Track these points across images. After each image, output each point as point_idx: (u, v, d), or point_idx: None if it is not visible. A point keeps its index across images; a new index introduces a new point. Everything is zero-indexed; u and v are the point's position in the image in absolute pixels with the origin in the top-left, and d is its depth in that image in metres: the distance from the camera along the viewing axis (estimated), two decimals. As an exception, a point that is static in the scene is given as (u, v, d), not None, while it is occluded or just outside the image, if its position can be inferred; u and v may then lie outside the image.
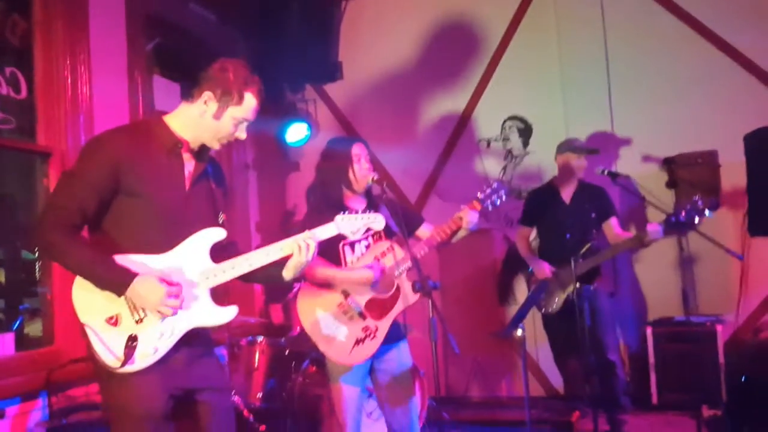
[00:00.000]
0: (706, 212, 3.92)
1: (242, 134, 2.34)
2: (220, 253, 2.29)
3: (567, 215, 4.51)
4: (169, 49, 4.83)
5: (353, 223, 2.46)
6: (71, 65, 3.77)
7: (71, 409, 3.23)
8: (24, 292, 4.01)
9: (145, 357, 2.13)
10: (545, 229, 4.70)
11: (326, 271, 2.98)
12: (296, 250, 2.31)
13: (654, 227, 4.04)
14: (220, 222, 2.37)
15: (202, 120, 2.26)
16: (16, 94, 3.56)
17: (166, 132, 2.28)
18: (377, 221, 2.52)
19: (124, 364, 2.08)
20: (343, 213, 2.48)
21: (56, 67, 3.72)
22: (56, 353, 3.60)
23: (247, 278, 2.35)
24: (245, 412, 4.22)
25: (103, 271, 2.11)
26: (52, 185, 3.67)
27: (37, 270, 3.92)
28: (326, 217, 2.91)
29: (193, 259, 2.24)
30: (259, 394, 4.31)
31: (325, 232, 2.43)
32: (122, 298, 2.12)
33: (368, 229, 3.11)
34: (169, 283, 2.14)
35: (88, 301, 2.13)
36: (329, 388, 3.03)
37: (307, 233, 2.36)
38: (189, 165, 2.33)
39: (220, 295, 2.32)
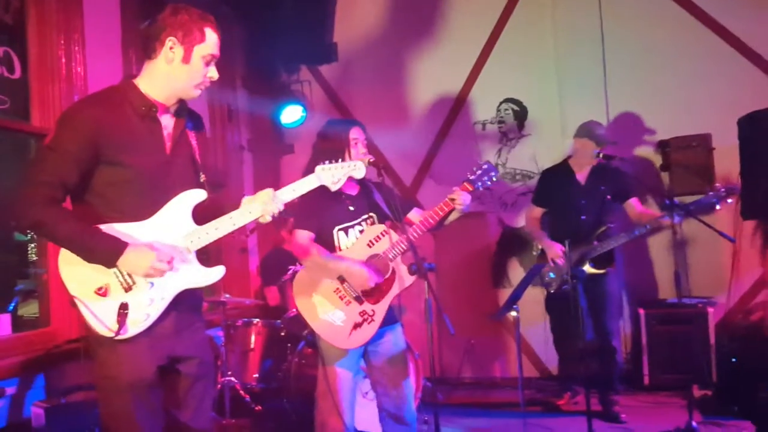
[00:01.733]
0: (729, 200, 3.94)
1: (214, 74, 2.27)
2: (209, 214, 2.29)
3: (582, 197, 4.45)
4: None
5: (334, 173, 2.46)
6: (65, 44, 3.72)
7: (69, 388, 3.24)
8: (17, 274, 4.01)
9: (136, 324, 2.12)
10: (558, 209, 4.59)
11: (324, 260, 2.98)
12: (261, 214, 2.30)
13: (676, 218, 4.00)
14: (201, 181, 2.32)
15: (173, 69, 2.20)
16: (9, 73, 3.52)
17: (139, 96, 2.22)
18: (357, 168, 2.53)
19: (117, 333, 2.07)
20: (324, 163, 2.48)
21: (50, 47, 3.68)
22: (52, 334, 3.61)
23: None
24: (241, 393, 4.26)
25: (93, 245, 2.08)
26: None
27: (29, 251, 3.92)
28: (319, 198, 2.91)
29: (176, 222, 2.22)
30: (255, 375, 4.35)
31: (307, 185, 2.43)
32: (111, 268, 2.11)
33: (363, 215, 3.14)
34: (158, 250, 2.14)
35: (76, 273, 2.12)
36: (324, 371, 3.03)
37: (276, 195, 2.32)
38: (167, 126, 2.28)
39: (212, 259, 2.33)
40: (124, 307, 2.10)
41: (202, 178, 2.33)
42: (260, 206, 2.29)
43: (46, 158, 2.13)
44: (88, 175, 2.14)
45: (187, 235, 2.23)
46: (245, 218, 2.29)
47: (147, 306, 2.15)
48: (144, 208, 2.19)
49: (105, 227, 2.13)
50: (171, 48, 2.18)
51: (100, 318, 2.09)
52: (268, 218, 2.32)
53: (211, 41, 2.22)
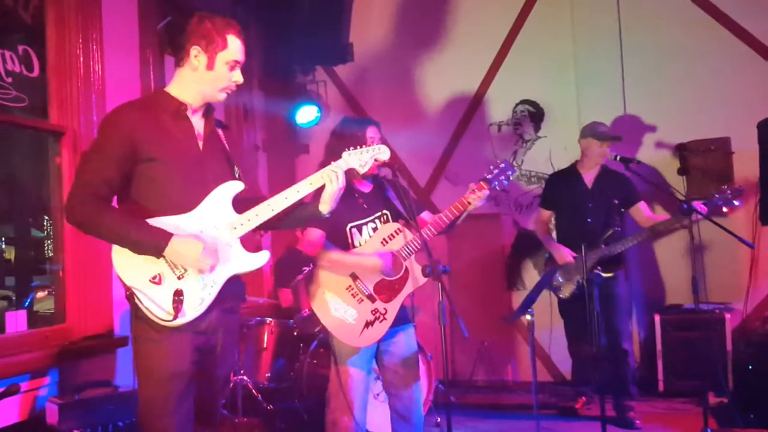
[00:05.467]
0: (735, 202, 3.93)
1: (239, 78, 2.39)
2: (243, 206, 2.39)
3: (588, 200, 4.46)
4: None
5: (360, 157, 2.54)
6: (83, 43, 3.74)
7: (83, 385, 3.26)
8: (34, 270, 4.04)
9: (193, 309, 2.21)
10: (565, 213, 4.63)
11: (335, 255, 2.98)
12: (327, 180, 2.42)
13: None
14: (237, 176, 2.45)
15: (198, 76, 2.34)
16: (28, 72, 3.55)
17: (169, 99, 2.37)
18: (382, 152, 2.58)
19: (176, 317, 2.16)
20: (349, 149, 2.54)
21: (68, 45, 3.70)
22: (68, 330, 3.63)
23: (288, 223, 2.51)
24: (253, 392, 4.27)
25: (139, 236, 2.19)
26: (64, 164, 3.68)
27: (46, 248, 3.95)
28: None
29: (218, 212, 2.33)
30: (268, 374, 4.35)
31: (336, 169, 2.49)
32: (161, 258, 2.21)
33: (376, 212, 3.14)
34: (204, 241, 2.24)
35: (129, 265, 2.20)
36: (336, 369, 3.03)
37: (330, 165, 2.45)
38: (198, 126, 2.41)
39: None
40: (178, 294, 2.18)
41: (238, 172, 2.46)
42: (295, 190, 2.39)
43: (89, 160, 2.28)
44: (130, 174, 2.26)
45: (230, 223, 2.33)
46: (282, 203, 2.38)
47: (201, 291, 2.24)
48: (185, 201, 2.29)
49: (153, 221, 2.23)
50: (195, 56, 2.32)
51: (158, 304, 2.18)
52: (335, 185, 2.41)
53: (233, 48, 2.34)
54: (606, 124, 4.63)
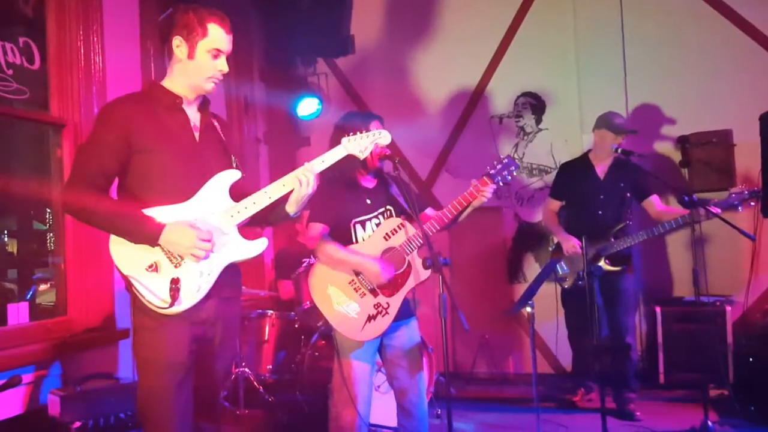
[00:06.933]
0: (751, 203, 3.94)
1: (224, 66, 2.38)
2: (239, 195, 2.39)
3: (600, 192, 4.41)
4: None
5: (360, 142, 2.53)
6: (84, 35, 3.74)
7: (84, 377, 3.28)
8: (36, 263, 4.05)
9: (190, 296, 2.23)
10: (576, 203, 4.56)
11: (338, 254, 2.98)
12: (296, 183, 2.39)
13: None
14: (234, 165, 2.44)
15: (183, 66, 2.36)
16: (29, 64, 3.55)
17: (164, 91, 2.39)
18: (383, 136, 2.58)
19: (172, 304, 2.17)
20: (348, 135, 2.52)
21: (69, 37, 3.70)
22: (69, 323, 3.65)
23: (260, 221, 2.48)
24: (255, 384, 4.28)
25: (132, 225, 2.20)
26: (65, 156, 3.69)
27: (48, 241, 3.95)
28: (336, 191, 2.90)
29: (215, 200, 2.34)
30: (269, 366, 4.37)
31: (334, 155, 2.49)
32: (157, 247, 2.22)
33: (380, 208, 3.13)
34: (199, 229, 2.24)
35: (126, 254, 2.22)
36: (339, 363, 3.03)
37: (305, 165, 2.42)
38: (194, 118, 2.43)
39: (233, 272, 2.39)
40: (175, 282, 2.19)
41: (235, 162, 2.46)
42: (293, 177, 2.38)
43: (85, 151, 2.30)
44: (126, 165, 2.28)
45: (226, 210, 2.33)
46: (279, 191, 2.38)
47: (198, 278, 2.25)
48: (182, 190, 2.30)
49: (148, 211, 2.24)
50: (178, 46, 2.34)
51: (154, 292, 2.20)
52: (305, 189, 2.38)
53: (214, 36, 2.34)
54: (622, 115, 4.56)
